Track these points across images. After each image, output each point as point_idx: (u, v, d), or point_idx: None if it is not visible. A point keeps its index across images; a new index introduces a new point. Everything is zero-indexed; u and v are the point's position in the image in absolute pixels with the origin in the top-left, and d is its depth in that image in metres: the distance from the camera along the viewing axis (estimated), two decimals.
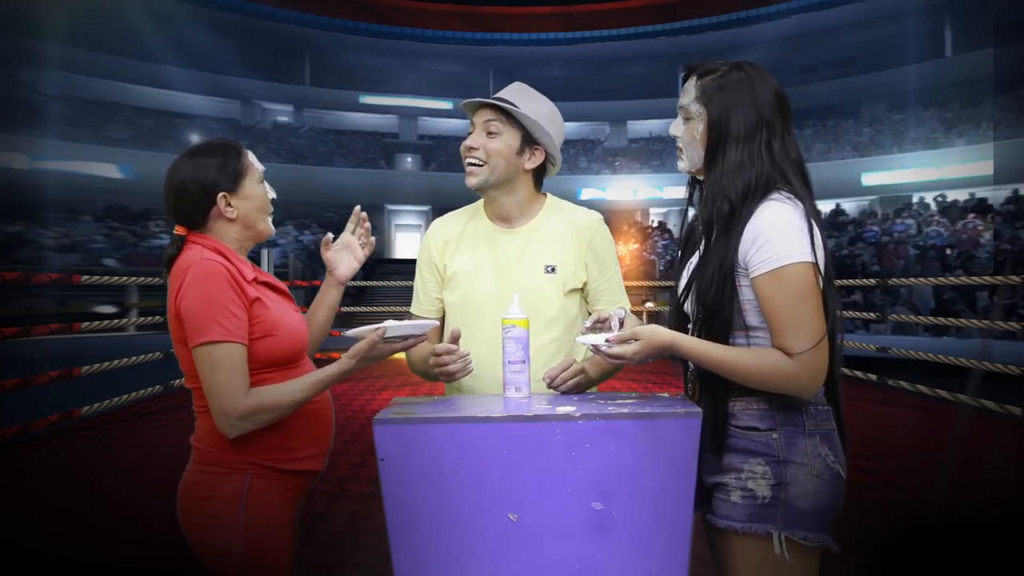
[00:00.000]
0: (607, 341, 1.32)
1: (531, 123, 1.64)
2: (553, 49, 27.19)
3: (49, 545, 2.93)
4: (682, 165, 1.46)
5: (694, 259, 1.42)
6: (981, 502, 3.42)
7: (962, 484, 3.69)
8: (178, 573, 1.45)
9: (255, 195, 1.51)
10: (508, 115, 1.64)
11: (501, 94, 1.69)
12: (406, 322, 1.42)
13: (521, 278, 1.66)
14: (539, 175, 1.72)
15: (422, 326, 1.43)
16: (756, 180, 1.32)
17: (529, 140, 1.66)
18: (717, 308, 1.32)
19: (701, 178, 1.44)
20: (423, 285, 1.79)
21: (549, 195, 1.78)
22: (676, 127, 1.44)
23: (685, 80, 1.43)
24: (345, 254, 1.69)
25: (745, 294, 1.32)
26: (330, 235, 1.69)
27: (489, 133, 1.64)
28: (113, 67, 21.68)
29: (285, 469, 1.45)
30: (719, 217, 1.34)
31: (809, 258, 1.27)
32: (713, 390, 1.34)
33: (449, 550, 1.25)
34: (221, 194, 1.47)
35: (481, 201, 1.77)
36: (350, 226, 1.71)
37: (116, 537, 3.01)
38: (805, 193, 1.33)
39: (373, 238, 1.72)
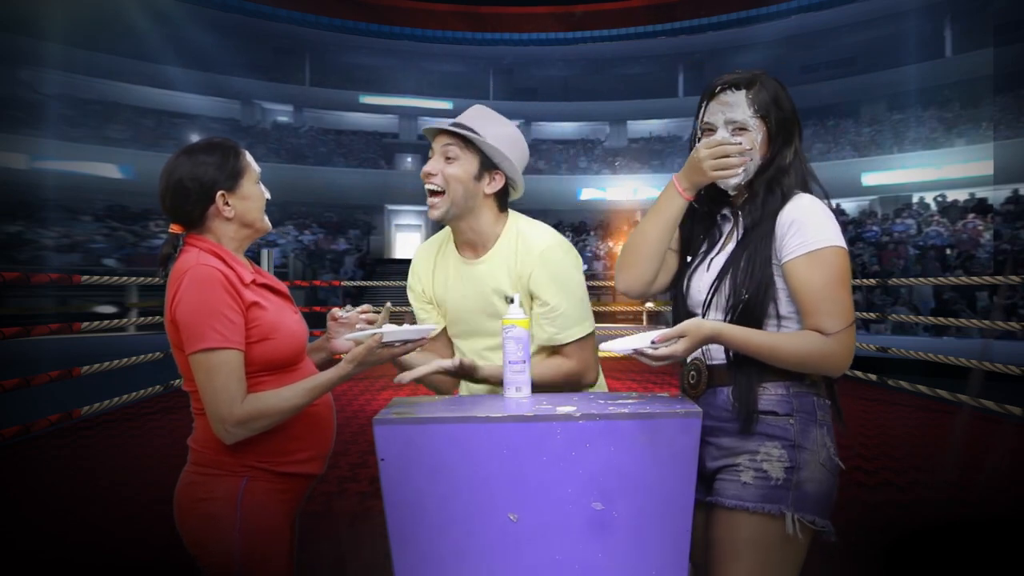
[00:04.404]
0: (653, 343, 1.30)
1: (489, 148, 1.62)
2: (553, 49, 27.19)
3: (48, 545, 2.93)
4: (735, 181, 1.41)
5: (718, 256, 1.44)
6: (981, 502, 3.42)
7: (962, 484, 3.69)
8: (177, 573, 1.45)
9: (253, 195, 1.50)
10: (467, 140, 1.62)
11: (461, 119, 1.67)
12: (404, 327, 1.41)
13: (486, 308, 1.66)
14: (503, 198, 1.69)
15: (421, 331, 1.42)
16: (797, 179, 1.40)
17: (488, 165, 1.64)
18: (759, 299, 1.35)
19: (732, 192, 1.44)
20: (421, 307, 1.82)
21: (511, 214, 1.72)
22: (735, 140, 1.40)
23: (717, 94, 1.41)
24: (347, 331, 1.63)
25: (778, 283, 1.37)
26: (336, 311, 1.63)
27: (447, 158, 1.63)
28: (113, 67, 21.70)
29: (282, 472, 1.45)
30: (768, 213, 1.38)
31: (844, 244, 1.34)
32: (748, 376, 1.36)
33: (449, 550, 1.25)
34: (220, 192, 1.46)
35: None
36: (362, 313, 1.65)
37: (115, 537, 3.01)
38: (822, 193, 1.42)
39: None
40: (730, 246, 1.43)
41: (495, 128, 1.65)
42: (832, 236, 1.33)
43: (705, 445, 1.36)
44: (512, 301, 1.60)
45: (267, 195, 1.55)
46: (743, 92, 1.40)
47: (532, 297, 1.65)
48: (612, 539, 1.25)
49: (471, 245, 1.70)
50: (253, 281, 1.47)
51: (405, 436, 1.24)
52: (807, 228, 1.33)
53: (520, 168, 1.68)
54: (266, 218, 1.55)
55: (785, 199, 1.38)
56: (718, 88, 1.42)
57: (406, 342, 1.42)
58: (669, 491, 1.25)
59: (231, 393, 1.35)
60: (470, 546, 1.25)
